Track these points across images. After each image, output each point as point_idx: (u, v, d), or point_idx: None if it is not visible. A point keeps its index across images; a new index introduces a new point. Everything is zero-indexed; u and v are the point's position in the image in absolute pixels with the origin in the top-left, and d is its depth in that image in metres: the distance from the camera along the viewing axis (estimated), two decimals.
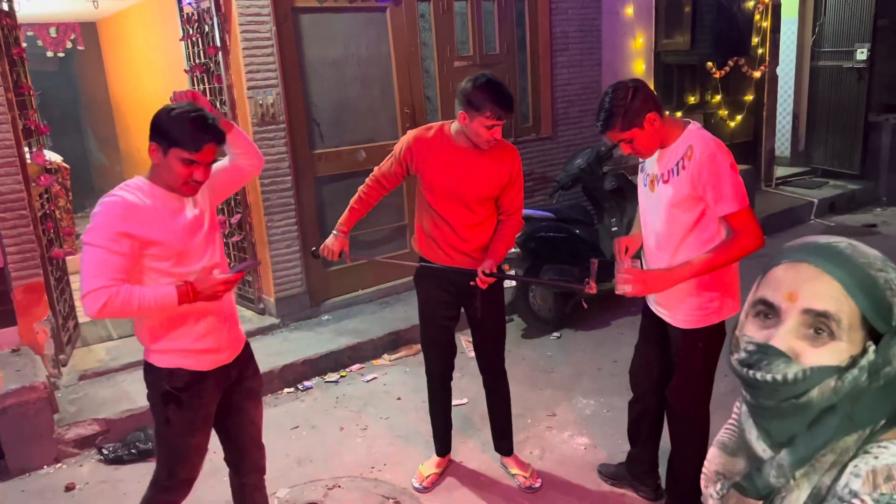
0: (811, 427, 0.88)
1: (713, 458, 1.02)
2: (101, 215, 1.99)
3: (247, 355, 2.36)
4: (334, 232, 2.87)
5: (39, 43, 7.92)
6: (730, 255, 2.26)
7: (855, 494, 0.82)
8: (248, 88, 4.20)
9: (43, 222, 3.97)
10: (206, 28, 4.34)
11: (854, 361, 0.85)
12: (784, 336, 0.87)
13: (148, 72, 6.35)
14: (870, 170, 7.52)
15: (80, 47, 8.17)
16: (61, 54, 8.40)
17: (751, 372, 0.89)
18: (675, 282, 2.29)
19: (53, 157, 5.31)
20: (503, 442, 3.13)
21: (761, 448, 0.93)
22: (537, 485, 3.02)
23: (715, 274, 2.30)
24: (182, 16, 4.58)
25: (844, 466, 0.86)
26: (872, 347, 0.85)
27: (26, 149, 3.82)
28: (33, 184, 3.83)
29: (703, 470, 1.03)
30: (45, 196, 4.17)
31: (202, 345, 2.15)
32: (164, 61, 5.76)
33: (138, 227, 1.98)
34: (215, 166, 2.26)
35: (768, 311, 0.90)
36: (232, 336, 2.25)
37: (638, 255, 2.56)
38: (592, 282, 2.42)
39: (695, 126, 2.35)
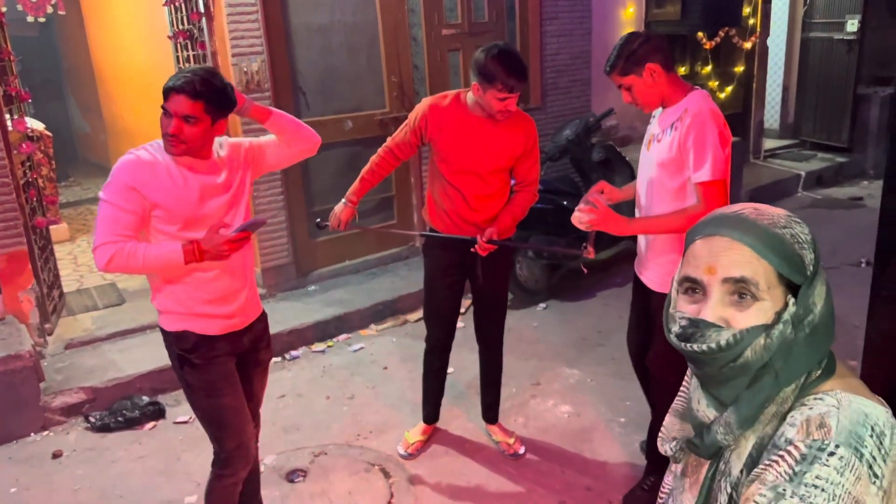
0: (750, 386, 0.93)
1: (668, 424, 1.08)
2: (116, 171, 2.02)
3: (262, 325, 2.35)
4: (343, 201, 2.86)
5: (19, 8, 7.74)
6: (674, 223, 2.26)
7: (790, 442, 0.87)
8: (233, 55, 4.14)
9: (25, 190, 3.93)
10: None
11: (779, 317, 0.91)
12: (712, 308, 0.93)
13: (131, 38, 6.24)
14: (858, 143, 7.54)
15: (60, 12, 7.97)
16: (42, 19, 8.20)
17: (688, 345, 0.94)
18: (629, 229, 2.34)
19: (35, 124, 5.23)
20: (491, 411, 3.17)
21: (705, 415, 0.98)
22: (521, 451, 3.07)
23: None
24: None
25: (784, 417, 0.92)
26: (792, 300, 0.91)
27: (7, 116, 3.77)
28: (15, 152, 3.78)
29: (660, 433, 1.09)
30: (28, 164, 4.12)
31: (211, 309, 2.14)
32: (147, 27, 5.66)
33: (144, 186, 2.00)
34: (263, 139, 2.29)
35: (695, 287, 0.95)
36: (247, 303, 2.24)
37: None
38: (590, 246, 2.42)
39: (699, 93, 2.33)
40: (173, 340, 2.16)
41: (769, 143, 7.82)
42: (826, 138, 7.78)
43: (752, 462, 0.93)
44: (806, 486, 0.82)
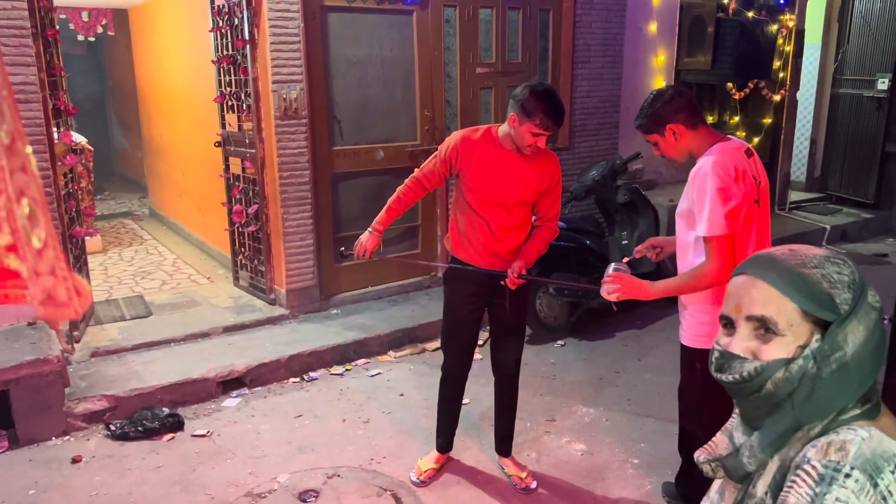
0: (771, 414, 1.00)
1: (717, 440, 1.14)
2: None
3: None
4: (369, 230, 2.92)
5: (71, 26, 8.07)
6: (690, 283, 2.29)
7: (808, 461, 0.91)
8: (273, 82, 4.29)
9: (66, 201, 4.07)
10: (236, 21, 4.44)
11: (801, 351, 0.97)
12: (738, 341, 1.01)
13: (174, 61, 6.46)
14: (884, 199, 7.51)
15: (110, 33, 8.32)
16: (91, 38, 8.56)
17: (720, 375, 1.03)
18: (648, 294, 2.34)
19: (79, 138, 5.42)
20: (504, 443, 3.18)
21: (738, 439, 1.06)
22: (533, 486, 3.07)
23: (711, 299, 2.32)
24: (213, 7, 4.68)
25: (809, 441, 0.97)
26: (816, 336, 0.97)
27: (54, 129, 3.92)
28: (59, 163, 3.93)
29: (705, 446, 1.15)
30: (70, 176, 4.27)
31: None
32: (191, 51, 5.87)
33: None
34: None
35: (728, 323, 1.04)
36: None
37: (631, 263, 2.59)
38: (615, 306, 2.48)
39: (723, 144, 2.33)
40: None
41: (795, 196, 7.81)
42: (853, 193, 7.77)
43: (776, 485, 0.97)
44: None
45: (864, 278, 1.00)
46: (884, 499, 0.86)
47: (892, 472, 0.88)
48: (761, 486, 1.00)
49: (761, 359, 0.98)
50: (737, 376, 1.00)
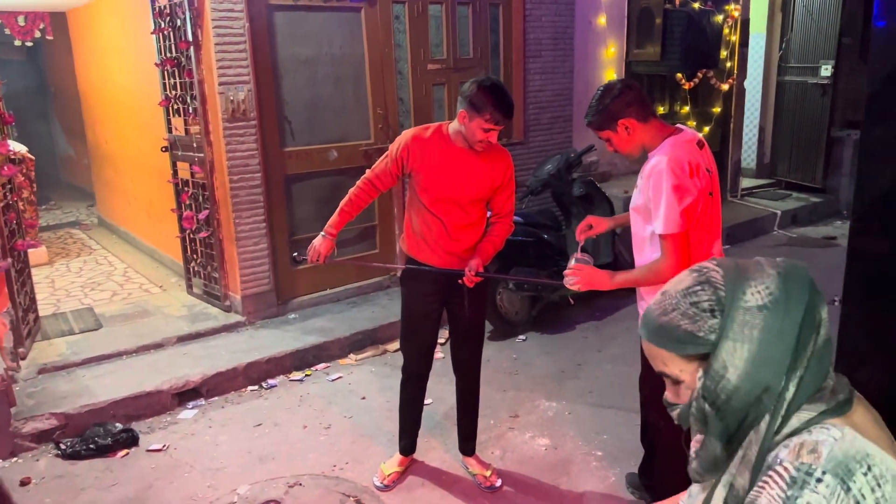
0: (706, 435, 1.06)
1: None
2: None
3: None
4: (322, 234, 2.86)
5: (7, 31, 7.78)
6: (647, 277, 2.30)
7: (780, 462, 0.91)
8: (220, 84, 4.18)
9: (5, 213, 3.91)
10: (179, 22, 4.31)
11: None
12: (667, 391, 1.11)
13: (118, 64, 6.26)
14: (832, 183, 7.72)
15: (48, 37, 8.03)
16: (29, 43, 8.25)
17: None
18: (608, 285, 2.36)
19: (18, 147, 5.22)
20: (468, 442, 3.16)
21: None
22: (497, 484, 3.06)
23: None
24: (154, 9, 4.54)
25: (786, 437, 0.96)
26: (699, 374, 1.00)
27: None
28: None
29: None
30: (8, 187, 4.10)
31: None
32: (134, 54, 5.70)
33: None
34: None
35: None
36: None
37: (587, 248, 2.59)
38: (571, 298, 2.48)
39: (672, 140, 2.31)
40: None
41: (746, 182, 7.98)
42: (801, 178, 7.96)
43: (735, 498, 0.99)
44: None
45: (738, 283, 0.98)
46: (857, 503, 0.85)
47: (865, 475, 0.87)
48: (718, 497, 1.01)
49: (680, 403, 1.06)
50: (674, 415, 1.08)
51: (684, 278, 1.03)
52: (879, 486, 0.86)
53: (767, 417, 0.96)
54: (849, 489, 0.85)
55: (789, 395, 0.95)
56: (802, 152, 7.91)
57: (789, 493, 0.86)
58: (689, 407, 1.02)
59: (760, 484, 0.91)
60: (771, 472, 0.90)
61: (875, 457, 0.88)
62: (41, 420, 3.46)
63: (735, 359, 0.95)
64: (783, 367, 0.95)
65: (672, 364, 1.02)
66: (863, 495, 0.85)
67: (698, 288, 0.99)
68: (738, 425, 0.98)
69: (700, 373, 0.98)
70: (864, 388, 1.08)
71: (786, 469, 0.89)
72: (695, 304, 0.98)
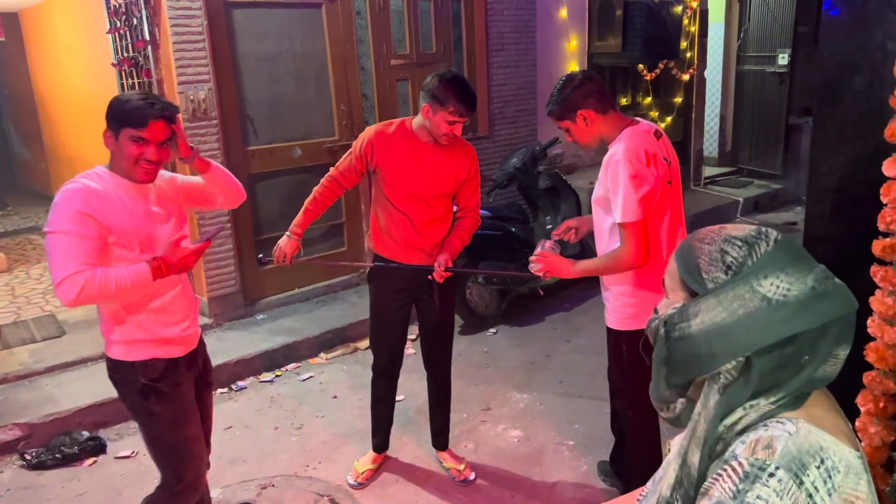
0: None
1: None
2: (63, 202, 1.94)
3: (203, 345, 2.37)
4: (287, 234, 2.82)
5: None
6: (608, 266, 2.33)
7: (735, 457, 0.92)
8: (179, 83, 4.11)
9: None
10: (135, 21, 4.23)
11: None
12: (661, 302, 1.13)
13: (74, 65, 6.13)
14: (791, 170, 7.88)
15: (0, 38, 7.82)
16: None
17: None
18: (570, 273, 2.39)
19: None
20: (441, 437, 3.17)
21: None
22: (471, 477, 3.07)
23: (633, 282, 2.37)
24: (109, 7, 4.44)
25: (741, 434, 0.96)
26: (678, 305, 1.03)
27: None
28: None
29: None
30: None
31: (175, 331, 2.16)
32: (90, 54, 5.58)
33: (99, 212, 1.95)
34: (190, 179, 2.30)
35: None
36: (194, 317, 2.27)
37: (561, 243, 2.61)
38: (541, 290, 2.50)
39: (629, 131, 2.33)
40: (138, 370, 2.11)
41: (708, 171, 8.10)
42: (762, 166, 8.11)
43: (683, 490, 1.00)
44: None
45: (771, 266, 0.96)
46: (809, 496, 0.87)
47: (818, 468, 0.88)
48: (665, 486, 1.03)
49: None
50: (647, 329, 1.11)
51: (743, 228, 1.03)
52: (830, 476, 0.89)
53: (717, 396, 0.97)
54: (801, 483, 0.87)
55: (742, 381, 0.96)
56: (762, 140, 8.06)
57: (741, 486, 0.88)
58: (654, 322, 1.06)
59: (714, 476, 0.93)
60: (726, 466, 0.92)
61: (829, 449, 0.90)
62: (4, 431, 3.37)
63: (707, 315, 0.97)
64: (742, 351, 0.95)
65: (670, 276, 1.07)
66: (815, 488, 0.87)
67: (739, 244, 0.99)
68: (679, 368, 1.01)
69: (681, 303, 1.02)
70: None
71: (740, 464, 0.90)
72: (723, 252, 0.99)
